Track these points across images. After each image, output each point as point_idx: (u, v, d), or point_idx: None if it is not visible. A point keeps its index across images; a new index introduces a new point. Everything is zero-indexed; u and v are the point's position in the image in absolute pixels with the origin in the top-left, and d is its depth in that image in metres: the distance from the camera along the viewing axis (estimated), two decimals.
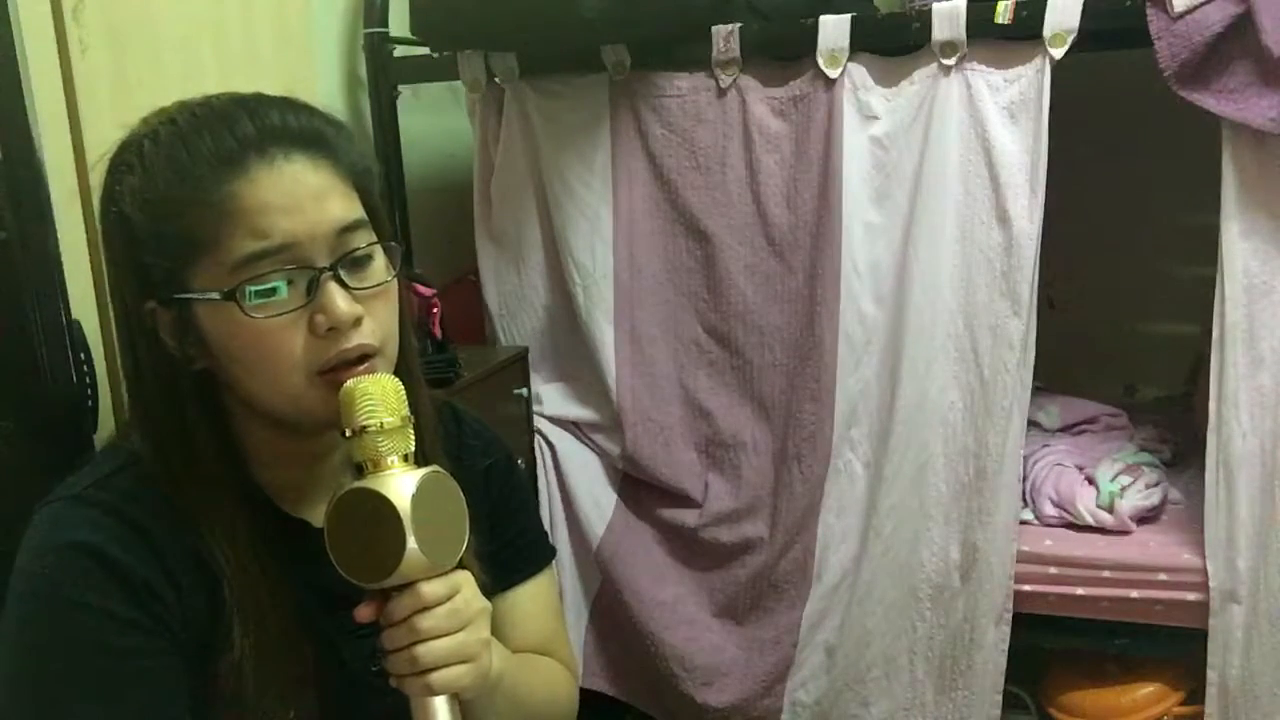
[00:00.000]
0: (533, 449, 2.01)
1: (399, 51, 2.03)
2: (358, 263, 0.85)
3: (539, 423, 2.04)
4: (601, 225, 1.95)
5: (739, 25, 1.79)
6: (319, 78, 1.77)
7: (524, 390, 1.97)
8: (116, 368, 1.14)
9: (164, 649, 0.82)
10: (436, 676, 0.82)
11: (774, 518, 1.93)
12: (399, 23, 1.96)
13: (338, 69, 2.03)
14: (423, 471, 0.81)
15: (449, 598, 0.83)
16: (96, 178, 0.87)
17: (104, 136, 1.09)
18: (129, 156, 0.84)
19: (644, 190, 1.93)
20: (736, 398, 1.95)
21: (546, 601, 1.13)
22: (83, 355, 1.08)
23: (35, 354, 1.02)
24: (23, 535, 0.83)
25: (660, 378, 1.97)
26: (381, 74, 2.02)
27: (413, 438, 0.83)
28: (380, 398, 0.81)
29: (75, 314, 1.07)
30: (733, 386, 1.95)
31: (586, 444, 2.05)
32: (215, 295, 0.81)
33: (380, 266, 0.87)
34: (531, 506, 1.17)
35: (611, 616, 2.01)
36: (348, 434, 0.81)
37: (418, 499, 0.79)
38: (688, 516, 1.97)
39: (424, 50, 1.99)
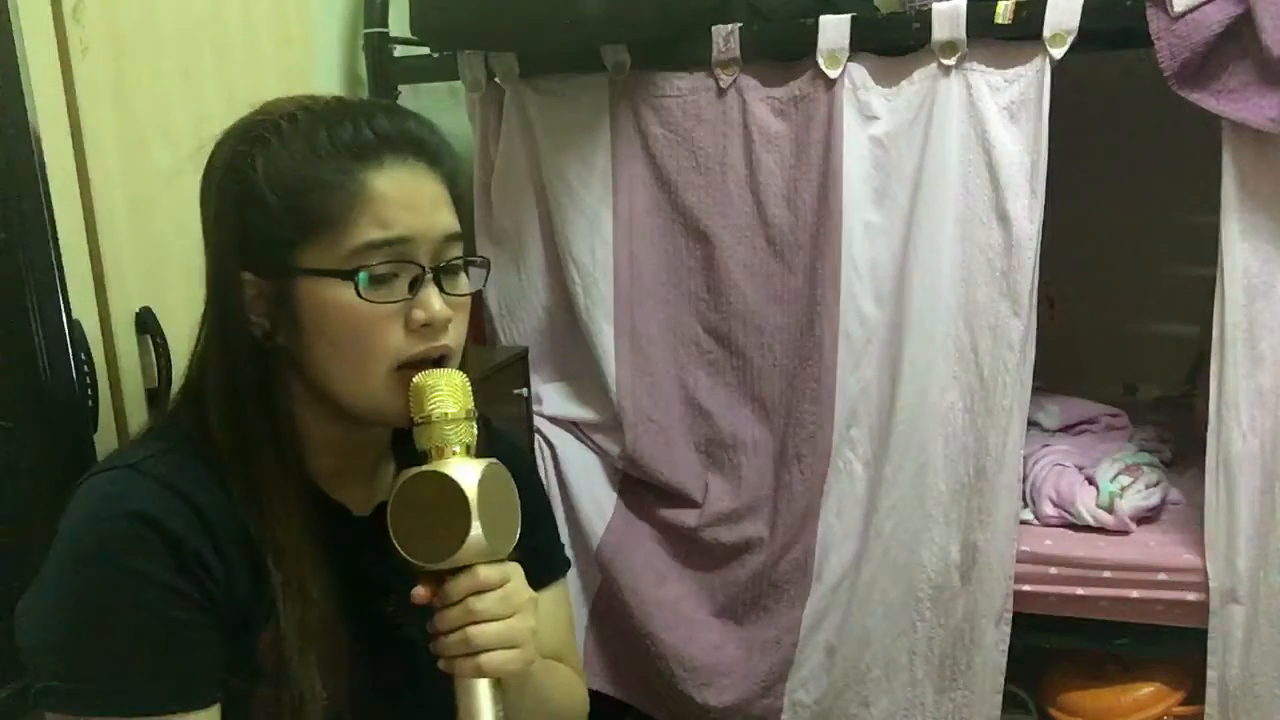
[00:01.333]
0: (533, 449, 2.01)
1: (399, 51, 2.03)
2: (451, 271, 0.91)
3: (539, 423, 2.04)
4: (601, 225, 1.95)
5: (739, 25, 1.79)
6: (319, 78, 1.76)
7: (524, 390, 1.97)
8: (117, 368, 1.14)
9: (208, 623, 0.84)
10: (486, 659, 0.85)
11: (774, 518, 1.93)
12: (399, 23, 1.96)
13: (338, 69, 2.03)
14: (485, 461, 0.86)
15: (502, 584, 0.87)
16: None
17: (104, 136, 1.10)
18: (264, 131, 0.88)
19: (644, 190, 1.93)
20: (736, 398, 1.95)
21: (561, 611, 1.15)
22: (83, 355, 1.07)
23: (35, 354, 1.02)
24: (22, 534, 0.84)
25: (660, 378, 1.97)
26: (381, 74, 2.02)
27: (475, 431, 0.88)
28: (449, 390, 0.87)
29: (75, 314, 1.06)
30: (733, 386, 1.95)
31: (586, 444, 2.05)
32: (331, 274, 0.86)
33: (465, 280, 0.94)
34: (550, 516, 1.20)
35: (611, 616, 2.01)
36: (417, 421, 0.86)
37: (483, 485, 0.84)
38: (688, 516, 1.97)
39: (424, 50, 1.99)
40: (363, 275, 0.85)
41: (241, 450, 0.88)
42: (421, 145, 0.90)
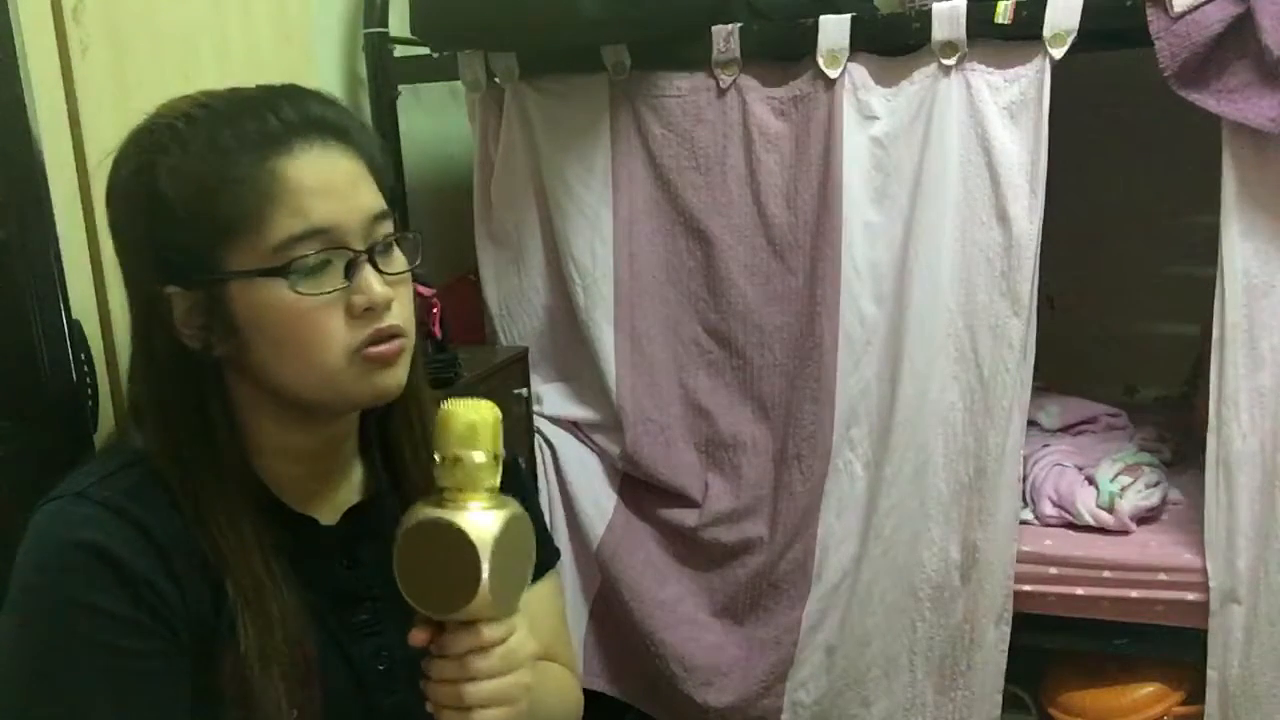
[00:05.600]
0: (533, 449, 2.01)
1: (399, 51, 2.03)
2: (385, 250, 0.88)
3: (539, 423, 2.04)
4: (601, 225, 1.95)
5: (739, 25, 1.79)
6: (319, 78, 1.76)
7: (524, 390, 1.97)
8: (117, 368, 1.14)
9: (166, 650, 0.82)
10: (478, 715, 0.83)
11: (774, 518, 1.93)
12: (399, 23, 1.96)
13: (338, 69, 2.03)
14: (506, 513, 0.81)
15: (505, 640, 0.84)
16: (98, 170, 0.87)
17: (104, 136, 1.10)
18: (161, 138, 0.84)
19: (644, 190, 1.93)
20: (736, 398, 1.95)
21: (552, 605, 1.13)
22: (83, 355, 1.07)
23: (35, 354, 1.02)
24: (23, 535, 0.83)
25: (660, 378, 1.97)
26: (381, 74, 2.02)
27: (500, 472, 0.83)
28: (484, 429, 0.81)
29: (75, 314, 1.06)
30: (733, 386, 1.95)
31: (586, 444, 2.05)
32: (260, 273, 0.82)
33: (400, 256, 0.90)
34: (536, 509, 1.18)
35: (611, 616, 2.01)
36: (442, 457, 0.81)
37: (499, 542, 0.79)
38: (688, 516, 1.97)
39: (424, 50, 1.99)
40: (295, 268, 0.82)
41: (183, 470, 0.85)
42: (330, 126, 0.86)
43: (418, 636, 0.84)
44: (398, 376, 0.89)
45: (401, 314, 0.88)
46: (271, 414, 0.89)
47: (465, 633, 0.82)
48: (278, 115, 0.83)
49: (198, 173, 0.82)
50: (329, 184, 0.84)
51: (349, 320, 0.85)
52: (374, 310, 0.85)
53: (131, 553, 0.81)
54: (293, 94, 0.87)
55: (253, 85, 0.88)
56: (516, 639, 0.85)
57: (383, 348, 0.86)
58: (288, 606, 0.87)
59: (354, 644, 0.93)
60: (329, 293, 0.84)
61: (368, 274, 0.85)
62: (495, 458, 0.82)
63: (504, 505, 0.82)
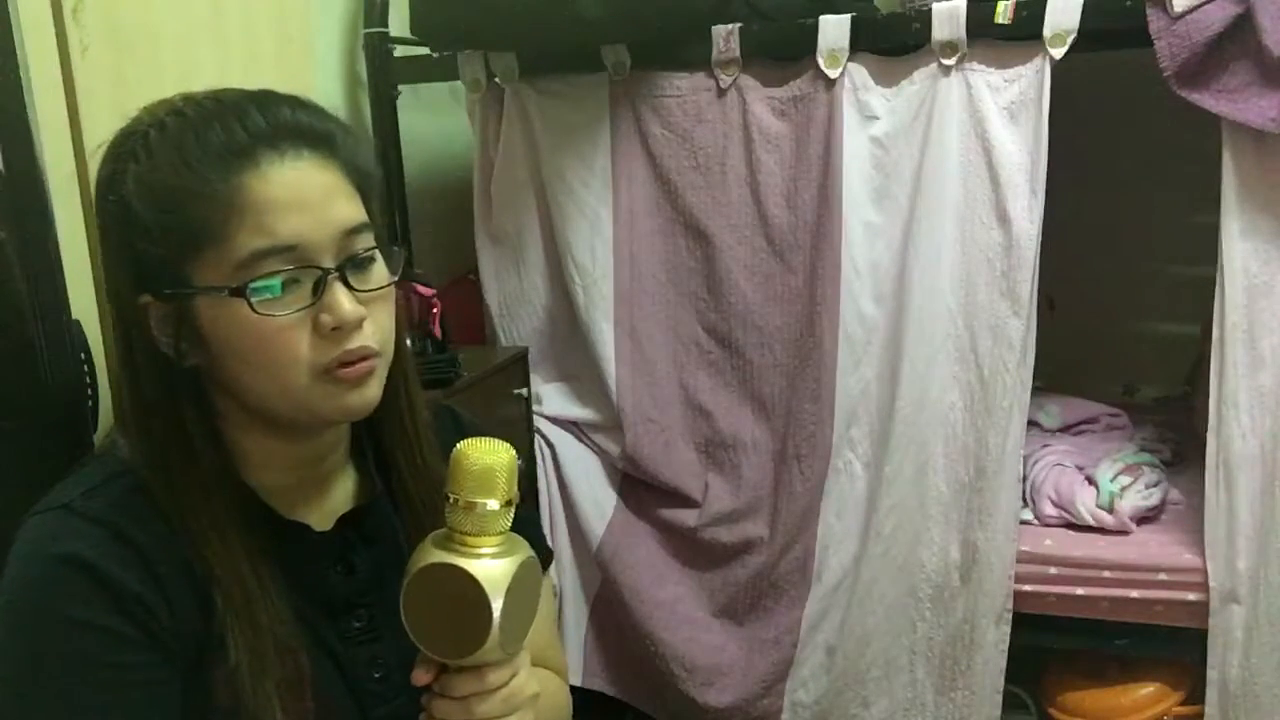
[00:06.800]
0: (533, 449, 2.01)
1: (399, 51, 2.04)
2: (360, 265, 0.84)
3: (539, 423, 2.04)
4: (601, 225, 1.95)
5: (739, 25, 1.79)
6: (319, 78, 1.77)
7: (524, 390, 1.97)
8: (116, 368, 1.14)
9: (155, 663, 0.81)
10: None
11: (774, 518, 1.93)
12: (399, 23, 1.97)
13: (338, 69, 2.03)
14: (517, 560, 0.80)
15: (508, 683, 0.84)
16: (95, 166, 0.86)
17: (104, 137, 1.09)
18: (133, 145, 0.81)
19: (644, 190, 1.93)
20: (736, 398, 1.95)
21: (544, 608, 1.12)
22: (83, 355, 1.07)
23: (35, 354, 1.02)
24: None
25: (660, 378, 1.97)
26: (381, 74, 2.02)
27: (512, 515, 0.81)
28: (500, 473, 0.79)
29: (75, 314, 1.06)
30: (733, 386, 1.96)
31: (586, 444, 2.05)
32: (222, 291, 0.79)
33: (380, 269, 0.86)
34: (531, 511, 1.16)
35: (611, 616, 2.01)
36: (451, 499, 0.79)
37: (510, 591, 0.78)
38: (688, 516, 1.97)
39: (424, 50, 1.99)
40: (253, 289, 0.78)
41: (167, 479, 0.83)
42: (305, 134, 0.82)
43: (421, 676, 0.83)
44: (367, 396, 0.86)
45: (376, 333, 0.84)
46: (253, 424, 0.88)
47: (470, 676, 0.82)
48: (245, 125, 0.80)
49: (162, 184, 0.79)
50: (297, 198, 0.80)
51: (316, 339, 0.82)
52: (342, 330, 0.82)
53: (118, 566, 0.80)
54: (265, 101, 0.83)
55: (238, 88, 0.86)
56: (518, 681, 0.85)
57: (349, 370, 0.83)
58: (278, 615, 0.85)
59: (349, 651, 0.92)
60: (292, 313, 0.80)
61: (337, 292, 0.81)
62: (509, 503, 0.80)
63: (514, 550, 0.80)
